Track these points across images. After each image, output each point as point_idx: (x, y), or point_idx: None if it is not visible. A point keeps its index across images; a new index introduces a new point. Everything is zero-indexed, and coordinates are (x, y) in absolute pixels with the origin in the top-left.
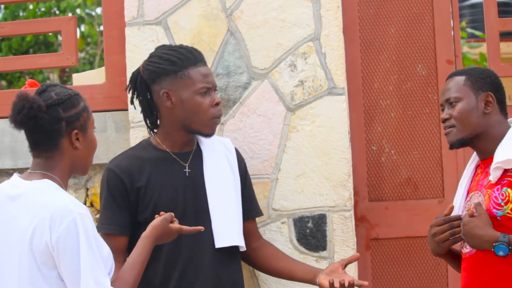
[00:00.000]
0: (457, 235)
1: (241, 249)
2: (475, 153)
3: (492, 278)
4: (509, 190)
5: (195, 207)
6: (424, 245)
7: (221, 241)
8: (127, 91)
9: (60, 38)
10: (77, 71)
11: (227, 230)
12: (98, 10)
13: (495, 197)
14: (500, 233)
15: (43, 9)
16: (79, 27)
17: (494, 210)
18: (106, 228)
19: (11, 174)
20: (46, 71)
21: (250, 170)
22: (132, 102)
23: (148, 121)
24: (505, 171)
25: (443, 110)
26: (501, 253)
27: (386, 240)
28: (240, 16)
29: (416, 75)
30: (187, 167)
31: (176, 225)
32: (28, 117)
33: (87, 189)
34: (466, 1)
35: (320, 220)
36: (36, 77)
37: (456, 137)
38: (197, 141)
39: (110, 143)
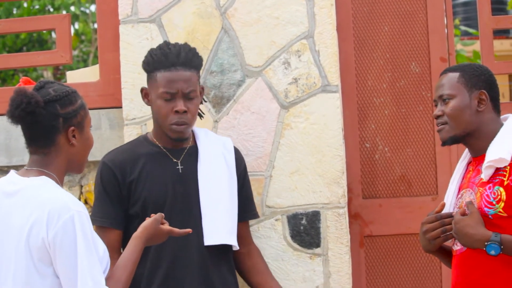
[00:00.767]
0: (448, 233)
1: (234, 248)
2: (467, 149)
3: (482, 276)
4: (501, 189)
5: (185, 203)
6: (417, 242)
7: (210, 238)
8: None
9: (54, 35)
10: (71, 68)
11: (217, 228)
12: (92, 8)
13: (487, 195)
14: (492, 232)
15: (37, 6)
16: (73, 25)
17: (485, 209)
18: (99, 221)
19: (5, 172)
20: (40, 68)
21: None
22: None
23: None
24: (497, 169)
25: (436, 106)
26: (492, 252)
27: (380, 237)
28: (234, 14)
29: (409, 72)
30: (179, 164)
31: (166, 226)
32: (26, 112)
33: (81, 186)
34: None
35: (314, 217)
36: (30, 75)
37: (449, 134)
38: (194, 138)
39: (104, 141)
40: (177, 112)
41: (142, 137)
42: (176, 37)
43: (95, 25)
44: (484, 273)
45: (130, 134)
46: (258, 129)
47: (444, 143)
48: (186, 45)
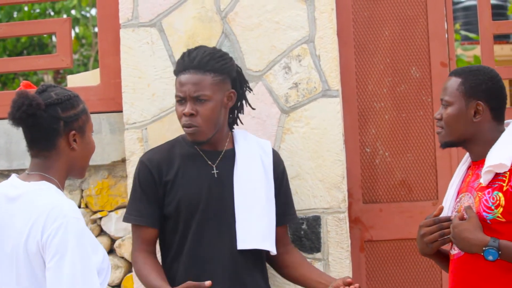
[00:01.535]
0: (446, 236)
1: (272, 253)
2: (467, 153)
3: (479, 281)
4: (500, 194)
5: (220, 207)
6: (417, 247)
7: (243, 243)
8: None
9: (54, 39)
10: (72, 72)
11: (251, 233)
12: (93, 12)
13: (486, 200)
14: (490, 237)
15: (38, 10)
16: (74, 29)
17: (484, 214)
18: (134, 219)
19: (5, 175)
20: (40, 72)
21: None
22: None
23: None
24: (497, 174)
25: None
26: (490, 258)
27: (380, 242)
28: (234, 18)
29: (410, 77)
30: (214, 168)
31: None
32: (27, 114)
33: (82, 191)
34: (460, 3)
35: (314, 222)
36: (30, 79)
37: (444, 139)
38: (233, 140)
39: (104, 145)
40: (184, 114)
41: (181, 137)
42: (177, 42)
43: (96, 29)
44: (481, 278)
45: (130, 138)
46: (259, 134)
47: (442, 146)
48: (211, 48)
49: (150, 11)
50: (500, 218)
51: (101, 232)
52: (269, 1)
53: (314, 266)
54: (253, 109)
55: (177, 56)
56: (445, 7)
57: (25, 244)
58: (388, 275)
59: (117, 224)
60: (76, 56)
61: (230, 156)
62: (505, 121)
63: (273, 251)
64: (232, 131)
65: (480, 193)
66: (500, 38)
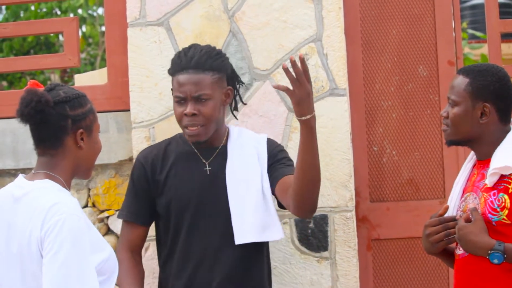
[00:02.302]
0: (451, 237)
1: (280, 238)
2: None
3: (483, 282)
4: (505, 196)
5: (214, 204)
6: None
7: (241, 237)
8: None
9: (61, 38)
10: (78, 71)
11: (247, 226)
12: (100, 11)
13: (491, 202)
14: (495, 241)
15: (44, 9)
16: (80, 28)
17: (489, 215)
18: (124, 215)
19: (12, 175)
20: (47, 71)
21: None
22: None
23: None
24: (502, 176)
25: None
26: (495, 261)
27: (388, 241)
28: (242, 17)
29: (417, 76)
30: (207, 165)
31: None
32: (36, 111)
33: (89, 190)
34: (467, 2)
35: (321, 221)
36: (37, 78)
37: (449, 138)
38: (227, 137)
39: (112, 144)
40: (186, 115)
41: (179, 135)
42: (184, 40)
43: (103, 28)
44: (485, 279)
45: (138, 137)
46: (266, 132)
47: (447, 143)
48: (206, 47)
49: (157, 10)
50: (505, 220)
51: (108, 231)
52: (276, 0)
53: None
54: (244, 104)
55: None
56: (452, 6)
57: (28, 242)
58: (395, 273)
59: None
60: (83, 55)
61: (224, 153)
62: None
63: (278, 237)
64: (228, 128)
65: (485, 194)
66: (508, 37)
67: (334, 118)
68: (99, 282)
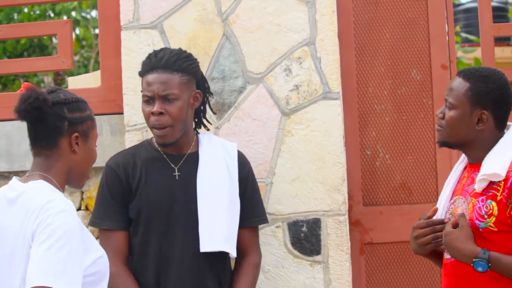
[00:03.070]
0: (439, 240)
1: (231, 256)
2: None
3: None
4: (493, 203)
5: (183, 210)
6: None
7: (206, 245)
8: None
9: (55, 41)
10: (72, 74)
11: (214, 235)
12: (93, 13)
13: (479, 208)
14: (480, 248)
15: (38, 11)
16: (74, 30)
17: (476, 222)
18: (107, 224)
19: (6, 177)
20: (40, 74)
21: None
22: None
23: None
24: (491, 182)
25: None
26: (480, 269)
27: (380, 245)
28: (235, 20)
29: (410, 80)
30: (176, 170)
31: None
32: (32, 107)
33: (82, 193)
34: (460, 5)
35: (314, 224)
36: (31, 80)
37: (442, 139)
38: (197, 143)
39: (105, 147)
40: (153, 114)
41: (147, 141)
42: (178, 43)
43: (96, 30)
44: (473, 285)
45: (131, 140)
46: (259, 136)
47: (439, 144)
48: (176, 49)
49: (151, 13)
50: (492, 227)
51: None
52: (270, 4)
53: (245, 276)
54: (214, 113)
55: None
56: (445, 9)
57: (23, 242)
58: (388, 277)
59: None
60: (76, 58)
61: (193, 159)
62: (509, 123)
63: (233, 254)
64: (197, 135)
65: (474, 199)
66: (501, 41)
67: (327, 122)
68: (90, 282)
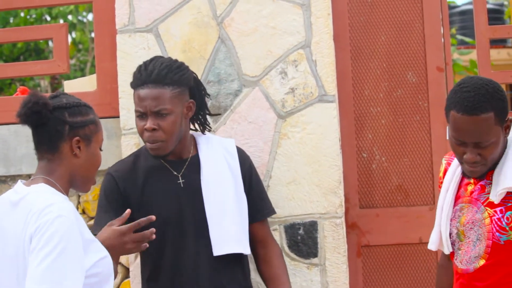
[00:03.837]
0: None
1: (245, 253)
2: None
3: None
4: None
5: (192, 216)
6: (415, 252)
7: (219, 249)
8: None
9: (51, 44)
10: (68, 77)
11: (225, 238)
12: (90, 17)
13: (499, 219)
14: None
15: (34, 15)
16: (71, 34)
17: (497, 234)
18: (96, 230)
19: (3, 181)
20: (37, 78)
21: None
22: None
23: None
24: (508, 192)
25: (459, 145)
26: None
27: (377, 247)
28: (230, 23)
29: (406, 82)
30: (180, 178)
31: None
32: (32, 111)
33: (79, 196)
34: (456, 8)
35: (311, 227)
36: (27, 84)
37: (482, 171)
38: (197, 147)
39: None
40: (146, 130)
41: (144, 148)
42: (173, 47)
43: (93, 34)
44: None
45: (127, 144)
46: (255, 139)
47: (478, 178)
48: (167, 60)
49: (146, 16)
50: None
51: None
52: (265, 7)
53: (282, 269)
54: (214, 114)
55: None
56: (441, 12)
57: (23, 244)
58: (385, 280)
59: None
60: (73, 61)
61: (195, 163)
62: None
63: (246, 252)
64: (195, 138)
65: (490, 210)
66: (497, 43)
67: (323, 125)
68: (92, 283)
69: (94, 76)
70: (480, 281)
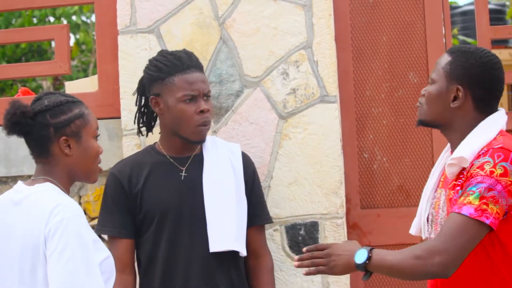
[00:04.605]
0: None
1: (241, 255)
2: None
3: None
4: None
5: (191, 210)
6: None
7: (215, 245)
8: (135, 95)
9: (54, 45)
10: (71, 78)
11: (223, 235)
12: (94, 18)
13: (455, 200)
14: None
15: (37, 17)
16: (75, 34)
17: None
18: (109, 231)
19: (4, 182)
20: (39, 79)
21: None
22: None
23: (140, 125)
24: (464, 169)
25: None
26: (359, 261)
27: (378, 248)
28: (232, 24)
29: (408, 82)
30: (183, 171)
31: None
32: (11, 123)
33: (80, 197)
34: (457, 8)
35: (312, 228)
36: (29, 85)
37: (420, 117)
38: (201, 146)
39: (103, 151)
40: (202, 112)
41: (150, 146)
42: (175, 48)
43: None
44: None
45: (128, 144)
46: (257, 140)
47: (417, 123)
48: (186, 50)
49: (148, 17)
50: None
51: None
52: (266, 7)
53: (269, 285)
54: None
55: None
56: (442, 12)
57: (32, 244)
58: (386, 281)
59: None
60: (75, 62)
61: (198, 161)
62: (500, 109)
63: (243, 252)
64: None
65: (451, 191)
66: (498, 43)
67: (324, 125)
68: None
69: (95, 77)
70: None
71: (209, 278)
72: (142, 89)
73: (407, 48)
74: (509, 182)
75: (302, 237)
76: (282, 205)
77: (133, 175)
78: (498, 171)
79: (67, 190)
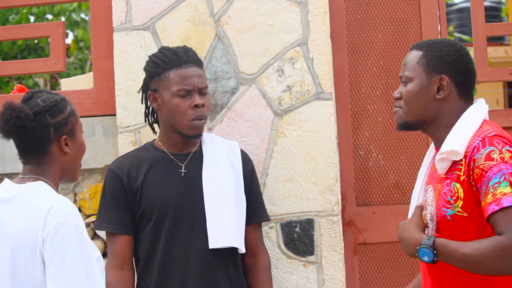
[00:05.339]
0: None
1: (240, 251)
2: None
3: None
4: (457, 185)
5: (191, 207)
6: None
7: (215, 242)
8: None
9: None
10: (68, 75)
11: (222, 231)
12: None
13: (444, 193)
14: (425, 235)
15: (35, 15)
16: (73, 32)
17: (443, 209)
18: (107, 227)
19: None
20: (36, 76)
21: None
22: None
23: (149, 121)
24: (454, 163)
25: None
26: (425, 259)
27: (374, 245)
28: (227, 21)
29: None
30: (183, 168)
31: None
32: (16, 127)
33: (75, 194)
34: (453, 5)
35: (307, 225)
36: (25, 82)
37: (401, 120)
38: (200, 142)
39: (98, 148)
40: (196, 106)
41: (149, 143)
42: (170, 45)
43: None
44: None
45: (124, 141)
46: (252, 137)
47: (398, 127)
48: (185, 46)
49: (143, 14)
50: (461, 212)
51: (95, 236)
52: (262, 4)
53: (266, 283)
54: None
55: None
56: (438, 9)
57: (25, 242)
58: (381, 277)
59: None
60: (72, 59)
61: (198, 157)
62: (478, 99)
63: (242, 249)
64: None
65: (439, 185)
66: (494, 40)
67: (320, 122)
68: None
69: (91, 74)
70: (444, 268)
71: (207, 275)
72: (146, 86)
73: (403, 45)
74: None
75: (297, 234)
76: (278, 202)
77: (133, 171)
78: (507, 155)
79: (56, 188)
